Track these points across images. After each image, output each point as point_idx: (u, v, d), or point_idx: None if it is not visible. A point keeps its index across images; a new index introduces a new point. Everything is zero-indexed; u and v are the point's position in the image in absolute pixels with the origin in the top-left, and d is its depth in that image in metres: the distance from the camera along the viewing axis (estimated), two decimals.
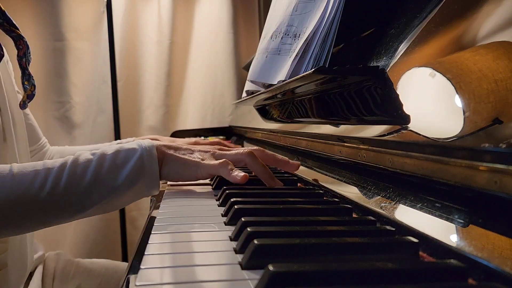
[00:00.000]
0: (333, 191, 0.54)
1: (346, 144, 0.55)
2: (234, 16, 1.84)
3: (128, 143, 0.63)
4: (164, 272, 0.33)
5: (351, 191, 0.52)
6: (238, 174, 0.60)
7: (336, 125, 0.61)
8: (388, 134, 0.44)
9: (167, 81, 1.82)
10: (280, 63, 0.72)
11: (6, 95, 0.78)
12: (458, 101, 0.36)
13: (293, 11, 0.73)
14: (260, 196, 0.56)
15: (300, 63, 0.65)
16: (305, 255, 0.33)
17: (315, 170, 0.68)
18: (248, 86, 0.95)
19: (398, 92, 0.45)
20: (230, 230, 0.43)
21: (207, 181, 0.72)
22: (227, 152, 0.66)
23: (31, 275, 0.88)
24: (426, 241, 0.33)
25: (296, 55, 0.66)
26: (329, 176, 0.62)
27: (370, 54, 0.55)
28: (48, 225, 0.60)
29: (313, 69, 0.53)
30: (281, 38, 0.74)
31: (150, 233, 0.42)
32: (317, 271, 0.28)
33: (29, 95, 0.79)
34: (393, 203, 0.43)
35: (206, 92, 1.84)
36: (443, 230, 0.34)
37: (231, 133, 1.66)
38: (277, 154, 0.68)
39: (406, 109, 0.43)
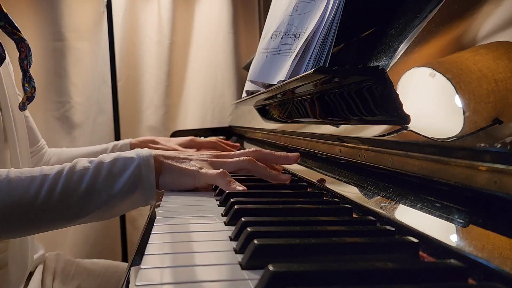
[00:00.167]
0: (333, 191, 0.54)
1: (346, 144, 0.55)
2: (234, 16, 1.84)
3: (127, 151, 0.63)
4: (164, 272, 0.33)
5: (351, 191, 0.52)
6: (237, 187, 0.59)
7: (336, 125, 0.61)
8: (388, 134, 0.44)
9: (167, 81, 1.82)
10: (280, 63, 0.72)
11: (7, 95, 0.79)
12: (458, 101, 0.36)
13: (293, 11, 0.73)
14: (260, 196, 0.56)
15: (300, 63, 0.65)
16: (305, 255, 0.33)
17: (315, 170, 0.68)
18: (248, 86, 0.95)
19: (398, 92, 0.45)
20: (230, 230, 0.43)
21: None
22: (227, 160, 0.65)
23: (31, 275, 0.88)
24: (426, 241, 0.33)
25: (296, 55, 0.66)
26: (329, 176, 0.62)
27: (370, 54, 0.55)
28: (43, 231, 0.60)
29: (313, 69, 0.53)
30: (281, 38, 0.74)
31: (150, 233, 0.42)
32: (317, 271, 0.28)
33: (29, 97, 0.79)
34: (393, 203, 0.43)
35: (206, 92, 1.84)
36: (443, 230, 0.34)
37: (231, 133, 1.66)
38: (274, 151, 0.68)
39: (406, 109, 0.43)
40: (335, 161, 0.62)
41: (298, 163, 0.77)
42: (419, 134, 0.39)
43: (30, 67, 0.80)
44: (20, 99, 0.82)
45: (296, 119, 0.85)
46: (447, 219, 0.35)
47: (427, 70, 0.42)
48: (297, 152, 0.68)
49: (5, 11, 0.75)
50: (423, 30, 0.46)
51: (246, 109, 1.39)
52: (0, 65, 0.72)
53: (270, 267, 0.27)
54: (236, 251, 0.36)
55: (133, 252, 0.40)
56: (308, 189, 0.62)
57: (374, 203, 0.45)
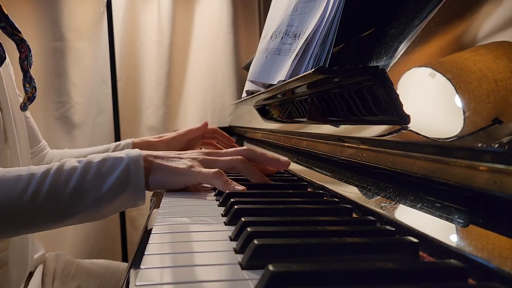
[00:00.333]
0: (333, 191, 0.54)
1: (346, 144, 0.55)
2: (234, 16, 1.84)
3: (116, 152, 0.62)
4: (164, 272, 0.33)
5: (351, 191, 0.52)
6: (236, 187, 0.58)
7: (336, 125, 0.61)
8: (388, 134, 0.44)
9: (167, 81, 1.82)
10: (280, 63, 0.72)
11: (8, 96, 0.79)
12: (458, 101, 0.36)
13: (293, 11, 0.73)
14: (260, 196, 0.56)
15: (300, 63, 0.65)
16: (305, 255, 0.33)
17: (315, 170, 0.68)
18: (248, 86, 0.95)
19: (398, 92, 0.45)
20: (230, 230, 0.43)
21: None
22: (219, 158, 0.65)
23: (31, 275, 0.88)
24: (426, 241, 0.33)
25: (296, 55, 0.66)
26: (329, 176, 0.62)
27: (370, 54, 0.55)
28: (30, 231, 0.59)
29: (313, 69, 0.53)
30: (281, 38, 0.74)
31: (150, 233, 0.42)
32: (317, 271, 0.28)
33: (30, 98, 0.79)
34: (393, 203, 0.43)
35: (206, 92, 1.83)
36: (443, 230, 0.34)
37: (231, 133, 1.66)
38: (267, 153, 0.68)
39: (406, 109, 0.43)
40: (335, 161, 0.62)
41: (298, 163, 0.76)
42: (419, 134, 0.39)
43: (30, 67, 0.80)
44: (21, 99, 0.82)
45: (296, 119, 0.85)
46: (447, 219, 0.35)
47: (427, 70, 0.42)
48: (288, 159, 0.68)
49: (5, 12, 0.75)
50: (423, 30, 0.46)
51: (246, 109, 1.39)
52: (0, 66, 0.72)
53: (270, 267, 0.27)
54: (236, 251, 0.36)
55: (133, 252, 0.40)
56: (308, 189, 0.62)
57: (374, 203, 0.45)
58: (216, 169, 0.61)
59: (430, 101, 0.41)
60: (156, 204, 0.57)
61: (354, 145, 0.52)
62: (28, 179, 0.56)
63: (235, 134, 1.61)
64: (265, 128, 1.05)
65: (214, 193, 0.63)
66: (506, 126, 0.30)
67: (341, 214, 0.47)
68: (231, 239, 0.40)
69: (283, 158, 0.68)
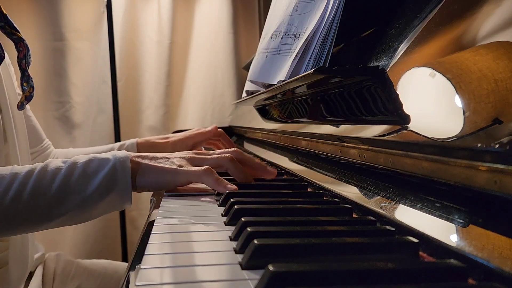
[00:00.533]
0: (333, 191, 0.54)
1: (346, 144, 0.55)
2: (234, 16, 1.84)
3: (103, 153, 0.61)
4: (164, 272, 0.33)
5: (351, 191, 0.52)
6: (228, 186, 0.57)
7: (336, 125, 0.61)
8: (388, 134, 0.44)
9: (167, 81, 1.82)
10: (280, 63, 0.72)
11: (8, 96, 0.79)
12: (458, 101, 0.36)
13: (293, 11, 0.73)
14: (260, 196, 0.56)
15: (300, 63, 0.65)
16: (305, 255, 0.33)
17: (315, 170, 0.68)
18: (248, 86, 0.95)
19: (398, 92, 0.45)
20: (230, 230, 0.43)
21: None
22: (207, 157, 0.64)
23: (31, 275, 0.89)
24: (426, 241, 0.33)
25: (296, 55, 0.66)
26: (329, 176, 0.62)
27: (370, 54, 0.55)
28: (12, 234, 0.58)
29: (313, 69, 0.53)
30: (281, 38, 0.74)
31: (150, 233, 0.42)
32: (317, 271, 0.28)
33: (27, 97, 0.79)
34: (393, 203, 0.43)
35: (206, 92, 1.83)
36: (443, 230, 0.34)
37: (231, 133, 1.66)
38: (255, 159, 0.67)
39: (406, 109, 0.43)
40: (335, 161, 0.62)
41: (298, 163, 0.76)
42: (419, 134, 0.39)
43: (28, 66, 0.80)
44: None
45: (296, 119, 0.85)
46: (447, 219, 0.35)
47: (427, 70, 0.42)
48: (275, 170, 0.67)
49: (4, 12, 0.76)
50: (423, 30, 0.46)
51: (246, 109, 1.39)
52: None
53: (270, 267, 0.27)
54: (236, 251, 0.36)
55: (133, 252, 0.40)
56: (308, 189, 0.62)
57: (374, 203, 0.45)
58: (206, 167, 0.60)
59: (430, 101, 0.41)
60: (156, 204, 0.57)
61: (354, 145, 0.52)
62: (11, 179, 0.55)
63: (235, 134, 1.61)
64: (265, 128, 1.05)
65: (214, 192, 0.63)
66: (506, 126, 0.30)
67: (341, 214, 0.47)
68: (231, 239, 0.40)
69: (271, 167, 0.67)
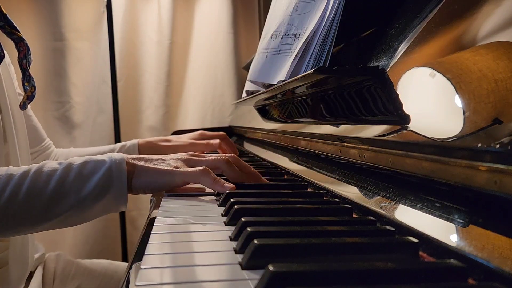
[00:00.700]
0: (333, 191, 0.54)
1: (346, 144, 0.55)
2: (234, 16, 1.84)
3: (99, 155, 0.61)
4: (164, 272, 0.33)
5: (351, 191, 0.52)
6: (226, 185, 0.57)
7: (336, 125, 0.61)
8: (388, 134, 0.44)
9: (167, 81, 1.82)
10: (280, 63, 0.72)
11: (7, 96, 0.79)
12: (458, 101, 0.36)
13: (293, 11, 0.73)
14: (260, 196, 0.56)
15: (300, 63, 0.65)
16: (305, 255, 0.33)
17: (315, 170, 0.68)
18: (248, 86, 0.95)
19: (398, 92, 0.45)
20: (230, 230, 0.43)
21: None
22: (203, 159, 0.64)
23: (31, 275, 0.89)
24: (426, 241, 0.33)
25: (296, 55, 0.66)
26: (329, 176, 0.62)
27: (370, 54, 0.55)
28: (8, 235, 0.58)
29: (313, 69, 0.53)
30: (281, 38, 0.74)
31: (150, 233, 0.42)
32: (317, 271, 0.28)
33: (29, 96, 0.79)
34: (393, 203, 0.43)
35: (206, 92, 1.83)
36: (443, 230, 0.34)
37: (231, 133, 1.66)
38: (251, 167, 0.67)
39: (406, 109, 0.43)
40: (335, 161, 0.62)
41: (298, 163, 0.77)
42: (419, 134, 0.39)
43: (29, 66, 0.80)
44: (21, 99, 0.82)
45: (296, 119, 0.85)
46: (447, 219, 0.35)
47: (427, 70, 0.42)
48: (267, 181, 0.67)
49: (4, 11, 0.76)
50: (423, 30, 0.46)
51: (246, 109, 1.39)
52: None
53: (270, 267, 0.27)
54: (236, 251, 0.36)
55: (133, 252, 0.40)
56: (308, 189, 0.62)
57: (374, 203, 0.45)
58: (203, 167, 0.60)
59: (430, 101, 0.41)
60: (156, 204, 0.57)
61: (354, 145, 0.52)
62: (6, 180, 0.55)
63: (235, 134, 1.61)
64: (265, 128, 1.05)
65: (214, 192, 0.63)
66: (506, 126, 0.30)
67: (341, 214, 0.47)
68: (231, 239, 0.40)
69: (264, 178, 0.67)
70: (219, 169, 0.64)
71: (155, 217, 0.49)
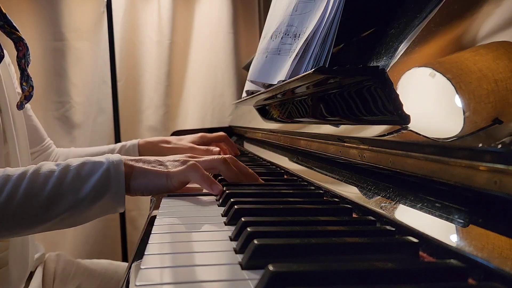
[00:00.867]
0: (333, 191, 0.54)
1: (346, 144, 0.55)
2: (234, 16, 1.84)
3: (97, 156, 0.61)
4: (164, 272, 0.33)
5: (351, 191, 0.52)
6: (214, 185, 0.57)
7: (336, 125, 0.61)
8: (388, 134, 0.44)
9: (167, 81, 1.82)
10: (280, 63, 0.72)
11: (7, 96, 0.79)
12: (458, 101, 0.36)
13: (293, 11, 0.73)
14: (260, 196, 0.56)
15: (300, 63, 0.65)
16: (305, 255, 0.33)
17: (315, 170, 0.68)
18: (248, 86, 0.95)
19: (398, 92, 0.45)
20: (230, 230, 0.43)
21: None
22: (200, 159, 0.64)
23: (31, 275, 0.89)
24: (426, 241, 0.33)
25: (296, 55, 0.66)
26: (329, 176, 0.62)
27: (370, 54, 0.55)
28: (6, 236, 0.58)
29: (313, 69, 0.53)
30: (281, 38, 0.74)
31: (150, 233, 0.42)
32: (317, 271, 0.28)
33: (26, 96, 0.79)
34: (393, 203, 0.42)
35: (206, 92, 1.83)
36: (443, 230, 0.34)
37: (231, 133, 1.66)
38: (248, 168, 0.67)
39: (406, 109, 0.43)
40: (335, 161, 0.62)
41: (298, 163, 0.77)
42: (419, 134, 0.39)
43: (28, 66, 0.80)
44: None
45: (296, 119, 0.85)
46: (447, 219, 0.35)
47: (427, 70, 0.42)
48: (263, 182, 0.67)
49: (3, 11, 0.75)
50: (423, 30, 0.46)
51: (246, 109, 1.39)
52: None
53: (270, 267, 0.27)
54: (236, 251, 0.36)
55: (133, 252, 0.40)
56: (308, 189, 0.62)
57: (374, 203, 0.45)
58: (192, 162, 0.60)
59: (430, 101, 0.41)
60: (156, 204, 0.57)
61: (354, 145, 0.52)
62: (4, 181, 0.55)
63: (235, 134, 1.61)
64: (265, 128, 1.05)
65: None
66: (506, 126, 0.30)
67: (341, 214, 0.47)
68: (231, 239, 0.40)
69: (261, 179, 0.67)
70: (216, 169, 0.64)
71: (155, 217, 0.49)
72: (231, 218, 0.46)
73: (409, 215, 0.39)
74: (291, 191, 0.60)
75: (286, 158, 0.87)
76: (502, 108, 0.31)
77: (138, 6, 1.78)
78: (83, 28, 1.73)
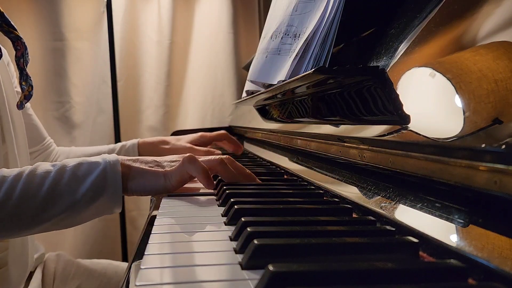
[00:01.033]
0: (333, 191, 0.54)
1: (346, 144, 0.55)
2: (234, 16, 1.84)
3: (93, 157, 0.61)
4: (164, 272, 0.33)
5: (351, 191, 0.52)
6: (210, 181, 0.58)
7: (336, 125, 0.61)
8: (388, 134, 0.44)
9: (167, 81, 1.82)
10: (280, 63, 0.72)
11: (6, 96, 0.79)
12: (458, 101, 0.36)
13: (293, 11, 0.73)
14: (260, 196, 0.56)
15: (300, 63, 0.65)
16: (305, 255, 0.33)
17: (315, 170, 0.68)
18: (248, 86, 0.95)
19: (398, 92, 0.45)
20: (230, 230, 0.43)
21: None
22: (198, 159, 0.64)
23: (31, 275, 0.89)
24: (426, 241, 0.33)
25: (296, 55, 0.65)
26: (329, 176, 0.62)
27: (370, 54, 0.55)
28: (2, 238, 0.58)
29: (313, 69, 0.53)
30: (281, 38, 0.74)
31: (150, 233, 0.42)
32: (317, 271, 0.28)
33: (26, 96, 0.79)
34: (393, 203, 0.42)
35: (206, 92, 1.83)
36: (443, 230, 0.34)
37: (231, 133, 1.66)
38: (246, 169, 0.67)
39: (406, 109, 0.43)
40: (335, 161, 0.62)
41: (298, 163, 0.77)
42: (419, 134, 0.39)
43: (26, 65, 0.79)
44: None
45: (296, 119, 0.85)
46: (447, 219, 0.35)
47: (427, 70, 0.42)
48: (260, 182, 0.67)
49: (1, 10, 0.75)
50: (423, 30, 0.46)
51: (246, 109, 1.39)
52: None
53: (270, 267, 0.27)
54: (236, 251, 0.36)
55: (133, 252, 0.40)
56: (309, 189, 0.62)
57: (374, 203, 0.45)
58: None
59: (430, 101, 0.41)
60: (156, 204, 0.57)
61: (354, 145, 0.52)
62: None
63: (235, 134, 1.61)
64: (265, 128, 1.05)
65: (214, 192, 0.63)
66: (506, 126, 0.30)
67: (341, 214, 0.47)
68: (231, 239, 0.40)
69: (258, 180, 0.67)
70: (213, 169, 0.64)
71: (155, 217, 0.49)
72: (231, 218, 0.46)
73: (409, 215, 0.39)
74: (291, 191, 0.60)
75: (286, 158, 0.87)
76: (502, 108, 0.31)
77: (138, 6, 1.78)
78: (83, 28, 1.73)
